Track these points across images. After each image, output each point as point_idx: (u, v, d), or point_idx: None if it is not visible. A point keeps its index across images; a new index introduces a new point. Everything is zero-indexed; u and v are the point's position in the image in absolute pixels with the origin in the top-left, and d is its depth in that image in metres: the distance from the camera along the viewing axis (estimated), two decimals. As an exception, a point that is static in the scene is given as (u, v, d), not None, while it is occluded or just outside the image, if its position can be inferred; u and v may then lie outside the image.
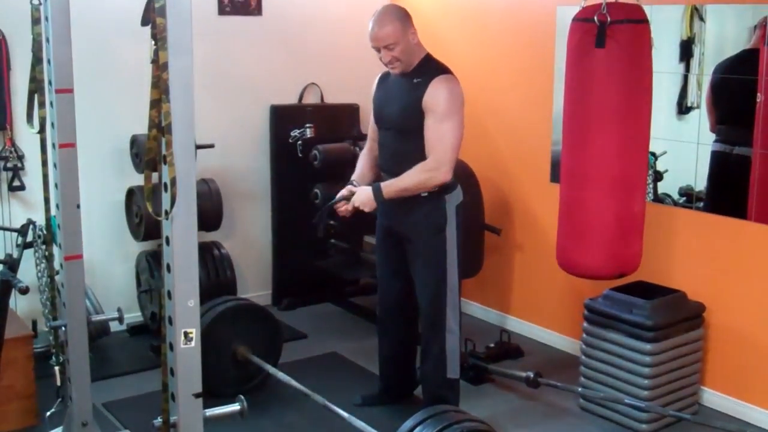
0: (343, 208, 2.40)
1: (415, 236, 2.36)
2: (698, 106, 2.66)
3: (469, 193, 3.23)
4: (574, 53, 2.14)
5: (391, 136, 2.38)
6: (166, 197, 1.43)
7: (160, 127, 1.42)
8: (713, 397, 2.68)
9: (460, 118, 2.29)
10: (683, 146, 2.69)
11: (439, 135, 2.26)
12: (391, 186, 2.30)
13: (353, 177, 2.49)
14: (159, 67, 1.38)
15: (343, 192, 2.43)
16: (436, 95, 2.27)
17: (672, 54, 2.67)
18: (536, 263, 3.23)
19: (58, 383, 2.11)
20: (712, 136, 2.62)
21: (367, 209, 2.33)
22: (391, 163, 2.38)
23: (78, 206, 1.97)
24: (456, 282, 2.38)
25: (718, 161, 2.60)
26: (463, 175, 3.29)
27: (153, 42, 1.39)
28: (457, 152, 2.30)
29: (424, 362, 2.45)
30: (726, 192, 2.62)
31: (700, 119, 2.64)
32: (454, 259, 2.36)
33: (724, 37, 2.57)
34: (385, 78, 2.44)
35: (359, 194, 2.34)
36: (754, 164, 2.48)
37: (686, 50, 2.66)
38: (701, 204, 2.67)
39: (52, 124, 1.93)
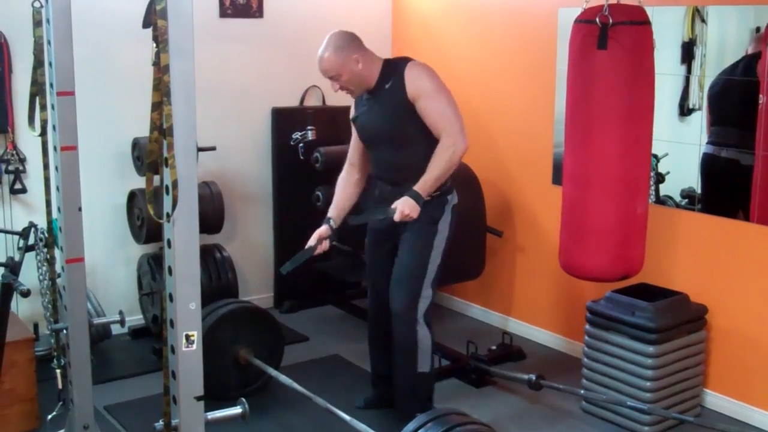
0: (320, 250, 2.37)
1: (409, 226, 2.33)
2: (700, 108, 2.65)
3: (471, 195, 3.24)
4: (576, 55, 2.14)
5: (386, 150, 2.35)
6: (167, 200, 1.42)
7: (161, 129, 1.42)
8: (716, 400, 2.67)
9: (446, 89, 2.30)
10: (685, 148, 2.69)
11: (439, 112, 2.26)
12: (425, 184, 2.26)
13: (330, 214, 2.43)
14: (160, 69, 1.38)
15: (321, 232, 2.37)
16: (415, 81, 2.27)
17: (673, 56, 2.67)
18: (538, 265, 3.22)
19: (60, 386, 2.10)
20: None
21: (414, 215, 2.26)
22: (390, 174, 2.37)
23: (79, 209, 1.97)
24: (434, 276, 2.36)
25: (708, 163, 2.60)
26: (465, 177, 3.29)
27: (154, 44, 1.39)
28: (461, 118, 2.28)
29: (394, 355, 2.41)
30: (716, 193, 2.62)
31: (702, 121, 2.64)
32: (438, 255, 2.35)
33: (725, 38, 2.56)
34: (360, 96, 2.41)
35: (402, 206, 2.24)
36: (756, 166, 2.47)
37: (688, 52, 2.65)
38: (701, 206, 2.66)
39: (54, 127, 1.93)
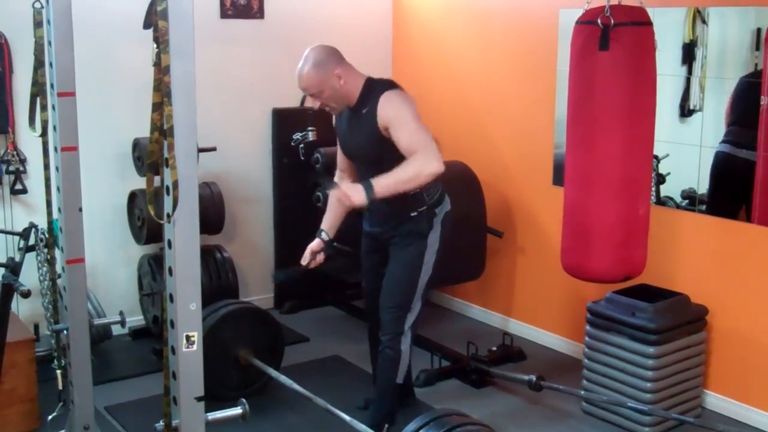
0: (314, 264, 2.35)
1: (399, 239, 2.33)
2: (701, 109, 2.65)
3: (471, 196, 3.24)
4: (577, 56, 2.14)
5: (365, 167, 2.32)
6: (168, 200, 1.42)
7: (162, 130, 1.42)
8: (716, 401, 2.67)
9: (418, 119, 2.20)
10: (686, 149, 2.68)
11: (410, 138, 2.16)
12: (382, 181, 2.12)
13: (323, 226, 2.41)
14: (161, 70, 1.38)
15: (313, 247, 2.35)
16: (387, 111, 2.19)
17: (674, 57, 2.67)
18: (539, 266, 3.22)
19: (60, 387, 2.10)
20: (715, 139, 2.61)
21: (354, 201, 2.11)
22: (377, 208, 2.31)
23: (80, 209, 1.97)
24: (424, 289, 2.35)
25: (723, 162, 2.58)
26: (465, 177, 3.30)
27: (155, 45, 1.38)
28: (435, 145, 2.18)
29: (380, 362, 2.40)
30: (728, 194, 2.61)
31: (703, 122, 2.63)
32: (429, 268, 2.33)
33: (726, 40, 2.56)
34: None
35: (347, 188, 2.15)
36: (757, 167, 2.47)
37: (688, 53, 2.65)
38: (704, 207, 2.66)
39: (54, 128, 1.93)
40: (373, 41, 3.76)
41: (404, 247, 2.33)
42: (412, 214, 2.29)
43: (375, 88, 2.26)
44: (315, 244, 2.37)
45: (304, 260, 2.36)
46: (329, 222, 2.41)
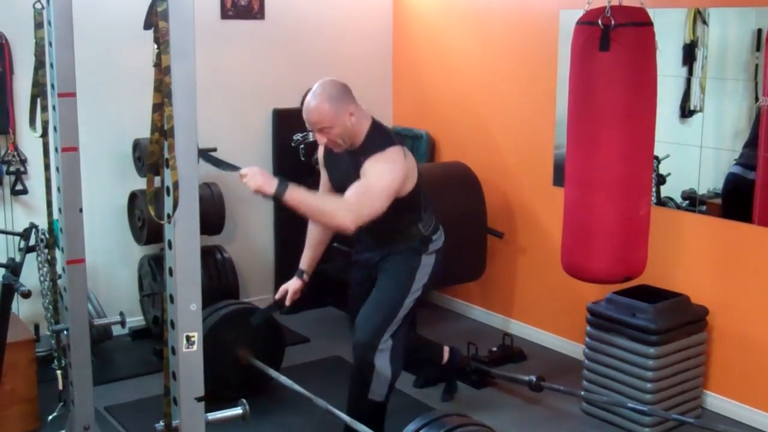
0: (289, 302, 2.30)
1: (391, 256, 2.24)
2: (701, 110, 2.65)
3: (472, 197, 3.24)
4: (578, 56, 2.14)
5: None
6: (168, 201, 1.42)
7: (162, 130, 1.42)
8: (717, 401, 2.67)
9: (391, 180, 2.05)
10: (686, 150, 2.68)
11: (361, 187, 2.03)
12: (298, 196, 1.97)
13: (301, 266, 2.34)
14: (161, 70, 1.38)
15: (292, 286, 2.30)
16: (369, 169, 2.05)
17: (675, 57, 2.66)
18: (539, 267, 3.22)
19: (60, 387, 2.10)
20: (716, 140, 2.60)
21: (256, 185, 1.97)
22: (367, 237, 2.25)
23: (80, 210, 1.97)
24: (408, 309, 2.25)
25: (734, 184, 2.55)
26: (466, 178, 3.30)
27: (155, 45, 1.38)
28: (370, 212, 2.02)
29: (352, 376, 2.33)
30: (739, 214, 2.54)
31: (703, 123, 2.63)
32: (418, 289, 2.25)
33: (726, 40, 2.56)
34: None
35: (257, 175, 1.99)
36: (759, 168, 2.47)
37: (689, 54, 2.65)
38: (704, 207, 2.66)
39: (55, 128, 1.93)
40: (373, 42, 3.76)
41: (396, 263, 2.23)
42: (405, 245, 2.22)
43: (377, 142, 2.12)
44: (294, 284, 2.31)
45: (279, 295, 2.32)
46: (308, 261, 2.34)
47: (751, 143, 2.49)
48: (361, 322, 2.27)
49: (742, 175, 2.53)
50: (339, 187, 2.26)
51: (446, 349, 2.68)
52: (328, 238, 2.38)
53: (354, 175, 2.14)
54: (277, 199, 1.98)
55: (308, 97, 2.11)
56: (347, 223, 2.01)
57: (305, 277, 2.32)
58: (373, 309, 2.26)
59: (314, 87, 2.12)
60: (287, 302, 2.32)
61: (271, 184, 1.97)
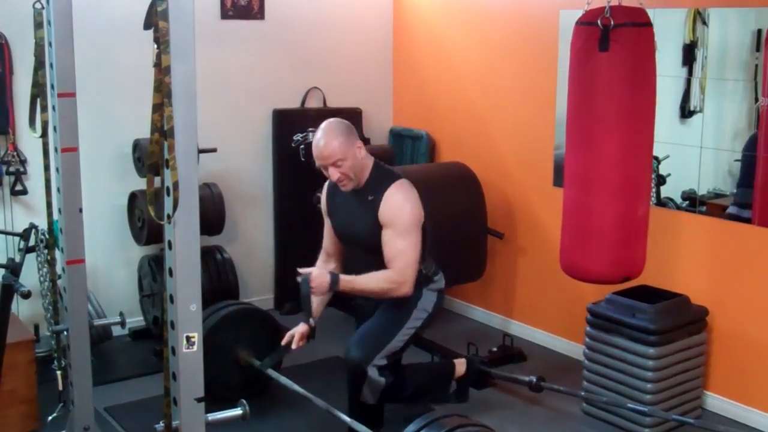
0: (296, 347, 2.35)
1: (391, 302, 2.28)
2: (701, 110, 2.65)
3: (472, 197, 3.24)
4: (577, 57, 2.14)
5: (363, 253, 2.28)
6: (168, 201, 1.42)
7: (162, 131, 1.42)
8: (716, 401, 2.67)
9: (416, 229, 2.19)
10: (686, 150, 2.69)
11: (400, 250, 2.16)
12: (349, 284, 2.18)
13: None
14: (161, 70, 1.38)
15: (299, 331, 2.34)
16: (392, 209, 2.17)
17: (675, 58, 2.67)
18: (539, 267, 3.22)
19: (60, 387, 2.11)
20: (716, 141, 2.60)
21: (318, 292, 2.16)
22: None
23: (80, 210, 1.97)
24: (405, 339, 2.28)
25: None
26: (466, 178, 3.30)
27: (155, 46, 1.38)
28: (416, 266, 2.19)
29: (347, 379, 2.36)
30: None
31: (703, 123, 2.64)
32: (407, 335, 2.28)
33: (726, 41, 2.56)
34: (335, 191, 2.30)
35: (317, 277, 2.15)
36: (758, 167, 2.47)
37: (689, 54, 2.65)
38: (704, 208, 2.66)
39: (55, 128, 1.93)
40: (373, 42, 3.76)
41: (392, 308, 2.28)
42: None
43: (384, 177, 2.23)
44: (301, 328, 2.35)
45: (285, 340, 2.35)
46: (314, 307, 2.36)
47: (744, 183, 2.49)
48: (355, 340, 2.31)
49: (738, 214, 2.54)
50: (343, 232, 2.33)
51: (459, 362, 2.60)
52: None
53: (361, 215, 2.22)
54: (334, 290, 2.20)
55: (317, 136, 2.21)
56: (406, 292, 2.20)
57: (312, 322, 2.34)
58: (369, 331, 2.31)
59: (321, 126, 2.23)
60: (294, 346, 2.35)
61: (325, 286, 2.18)
